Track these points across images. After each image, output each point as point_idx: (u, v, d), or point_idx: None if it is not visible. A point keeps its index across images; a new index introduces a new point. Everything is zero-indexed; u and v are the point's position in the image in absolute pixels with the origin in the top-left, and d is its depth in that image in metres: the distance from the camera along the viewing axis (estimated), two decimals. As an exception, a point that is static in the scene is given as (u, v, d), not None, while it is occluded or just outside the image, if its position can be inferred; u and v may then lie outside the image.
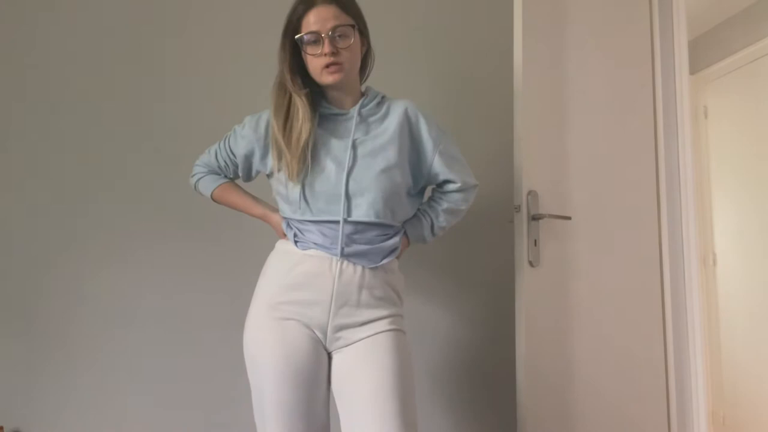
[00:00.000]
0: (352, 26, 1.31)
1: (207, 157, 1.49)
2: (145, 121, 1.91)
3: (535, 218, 1.61)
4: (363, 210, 1.28)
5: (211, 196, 1.48)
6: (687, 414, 1.97)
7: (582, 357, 1.73)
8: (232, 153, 1.44)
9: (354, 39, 1.31)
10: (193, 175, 1.51)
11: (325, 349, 1.29)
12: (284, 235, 1.37)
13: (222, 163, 1.46)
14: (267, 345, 1.26)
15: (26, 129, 1.89)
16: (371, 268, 1.30)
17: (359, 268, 1.29)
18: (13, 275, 1.83)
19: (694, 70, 3.41)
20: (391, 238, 1.34)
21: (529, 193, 1.61)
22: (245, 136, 1.40)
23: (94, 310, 1.83)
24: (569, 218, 1.69)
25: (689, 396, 1.97)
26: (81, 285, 1.84)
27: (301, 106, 1.30)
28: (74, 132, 1.89)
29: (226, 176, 1.49)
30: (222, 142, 1.47)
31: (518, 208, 1.60)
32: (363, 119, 1.36)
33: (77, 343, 1.82)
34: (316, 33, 1.28)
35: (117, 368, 1.82)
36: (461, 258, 1.96)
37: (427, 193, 1.48)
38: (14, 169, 1.87)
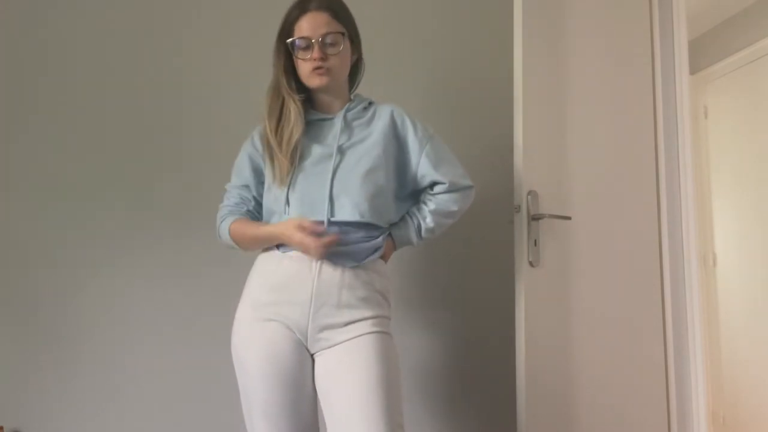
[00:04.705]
0: (342, 34, 1.35)
1: (221, 211, 1.44)
2: (144, 124, 1.91)
3: (535, 218, 1.61)
4: (347, 210, 1.30)
5: (231, 237, 1.39)
6: (687, 414, 1.97)
7: (582, 357, 1.73)
8: (243, 184, 1.42)
9: (343, 46, 1.35)
10: (217, 231, 1.43)
11: (308, 351, 1.28)
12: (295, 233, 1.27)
13: (238, 200, 1.42)
14: (252, 346, 1.27)
15: (25, 130, 1.89)
16: (352, 268, 1.29)
17: (339, 268, 1.28)
18: (13, 275, 1.83)
19: (694, 70, 3.41)
20: (375, 239, 1.34)
21: (529, 193, 1.61)
22: (249, 156, 1.42)
23: (93, 310, 1.83)
24: (569, 218, 1.69)
25: (689, 396, 1.97)
26: (81, 285, 1.84)
27: (293, 109, 1.34)
28: (73, 134, 1.89)
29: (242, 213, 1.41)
30: (228, 186, 1.45)
31: (518, 208, 1.60)
32: (348, 124, 1.39)
33: (77, 343, 1.82)
34: (307, 38, 1.32)
35: (116, 368, 1.82)
36: (461, 258, 1.96)
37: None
38: (13, 171, 1.87)
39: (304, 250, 1.26)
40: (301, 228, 1.23)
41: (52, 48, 1.92)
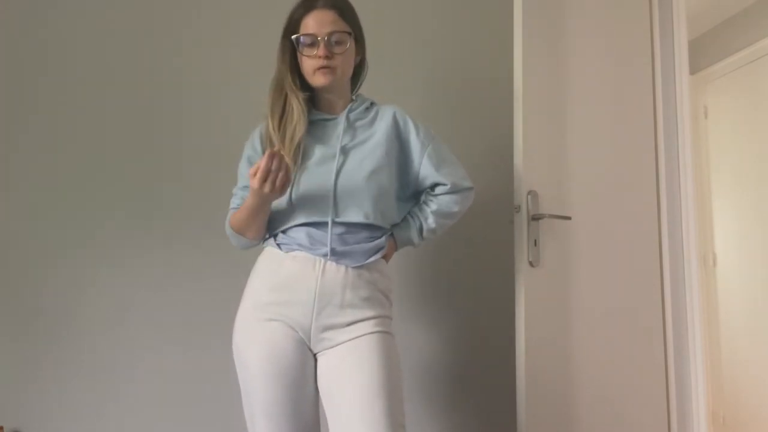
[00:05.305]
0: (348, 33, 1.35)
1: (227, 216, 1.42)
2: (144, 124, 1.91)
3: (535, 218, 1.61)
4: (352, 212, 1.30)
5: (233, 230, 1.38)
6: (687, 414, 1.97)
7: (582, 357, 1.73)
8: (244, 185, 1.40)
9: (349, 46, 1.35)
10: (229, 237, 1.42)
11: (310, 350, 1.28)
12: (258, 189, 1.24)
13: (240, 202, 1.39)
14: (253, 346, 1.27)
15: (25, 130, 1.89)
16: (355, 268, 1.29)
17: (342, 268, 1.28)
18: (13, 275, 1.83)
19: (694, 70, 3.41)
20: (378, 239, 1.34)
21: (529, 193, 1.61)
22: (248, 158, 1.41)
23: (93, 310, 1.83)
24: (569, 218, 1.69)
25: (689, 396, 1.97)
26: (80, 285, 1.84)
27: (296, 106, 1.33)
28: (73, 134, 1.89)
29: None
30: (234, 190, 1.44)
31: (518, 208, 1.60)
32: (351, 124, 1.39)
33: (77, 343, 1.82)
34: (313, 35, 1.32)
35: (116, 368, 1.82)
36: (461, 258, 1.96)
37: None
38: (13, 171, 1.87)
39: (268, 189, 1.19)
40: (252, 174, 1.19)
41: (52, 48, 1.91)
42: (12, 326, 1.82)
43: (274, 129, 1.33)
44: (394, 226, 1.42)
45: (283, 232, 1.34)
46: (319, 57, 1.31)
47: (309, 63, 1.34)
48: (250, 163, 1.40)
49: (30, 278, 1.83)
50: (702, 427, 1.94)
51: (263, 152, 1.36)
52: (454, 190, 1.41)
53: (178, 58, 1.94)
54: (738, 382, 3.16)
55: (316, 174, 1.32)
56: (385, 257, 1.38)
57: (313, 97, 1.41)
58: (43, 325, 1.82)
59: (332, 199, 1.29)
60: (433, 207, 1.42)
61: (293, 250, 1.31)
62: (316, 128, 1.38)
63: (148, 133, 1.91)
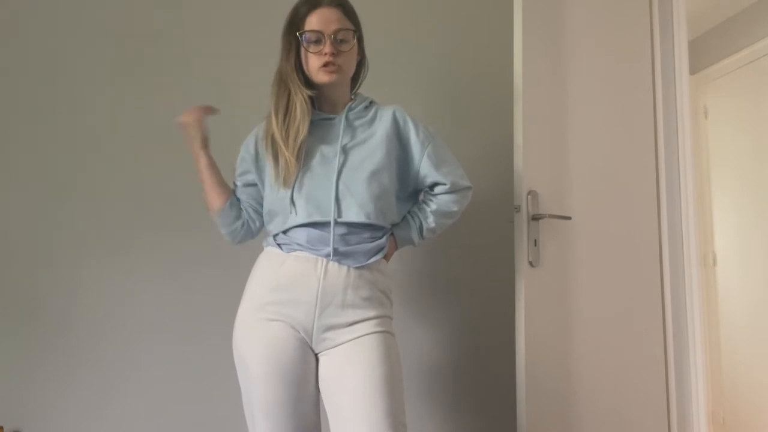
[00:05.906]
0: (353, 31, 1.35)
1: None
2: (143, 118, 1.91)
3: (535, 218, 1.61)
4: (354, 212, 1.30)
5: (211, 211, 1.48)
6: (687, 414, 1.97)
7: (582, 357, 1.73)
8: (240, 190, 1.48)
9: (353, 44, 1.36)
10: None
11: (312, 350, 1.28)
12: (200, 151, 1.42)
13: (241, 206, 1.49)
14: (254, 346, 1.27)
15: (25, 128, 1.88)
16: (357, 268, 1.29)
17: (344, 269, 1.28)
18: (13, 275, 1.83)
19: (694, 70, 3.41)
20: (379, 239, 1.34)
21: (529, 193, 1.61)
22: (241, 158, 1.46)
23: (93, 309, 1.83)
24: (569, 218, 1.69)
25: (689, 396, 1.97)
26: (80, 285, 1.84)
27: (299, 105, 1.33)
28: (72, 131, 1.89)
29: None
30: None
31: (518, 208, 1.60)
32: (350, 123, 1.39)
33: (76, 342, 1.82)
34: (319, 32, 1.31)
35: (116, 367, 1.82)
36: (461, 258, 1.96)
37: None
38: (13, 169, 1.87)
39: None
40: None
41: (52, 44, 1.91)
42: (12, 326, 1.82)
43: (278, 128, 1.33)
44: (394, 225, 1.42)
45: (284, 232, 1.34)
46: (326, 54, 1.31)
47: (314, 60, 1.33)
48: (242, 162, 1.46)
49: (30, 278, 1.83)
50: (702, 427, 1.94)
51: (256, 155, 1.41)
52: (453, 190, 1.42)
53: (178, 55, 1.94)
54: (738, 382, 3.16)
55: (317, 174, 1.32)
56: (386, 257, 1.38)
57: (314, 97, 1.41)
58: (43, 324, 1.82)
59: (334, 199, 1.30)
60: (432, 207, 1.42)
61: (294, 250, 1.31)
62: (317, 128, 1.38)
63: (147, 131, 1.91)
